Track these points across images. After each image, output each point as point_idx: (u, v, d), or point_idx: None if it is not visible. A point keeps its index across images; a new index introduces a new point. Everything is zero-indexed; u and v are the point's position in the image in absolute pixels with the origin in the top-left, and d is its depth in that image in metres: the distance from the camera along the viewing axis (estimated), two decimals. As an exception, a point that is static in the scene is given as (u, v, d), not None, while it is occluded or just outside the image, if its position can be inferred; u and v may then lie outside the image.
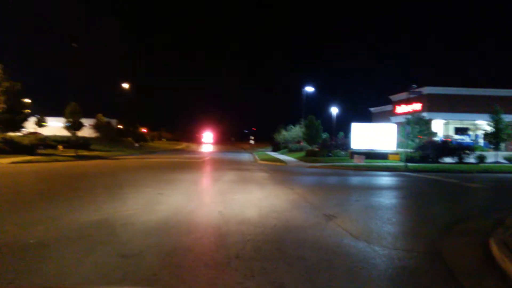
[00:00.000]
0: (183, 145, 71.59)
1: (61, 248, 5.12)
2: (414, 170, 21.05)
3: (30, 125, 34.39)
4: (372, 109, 53.70)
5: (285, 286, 4.00)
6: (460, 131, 40.25)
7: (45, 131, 55.03)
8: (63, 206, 8.25)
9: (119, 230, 6.18)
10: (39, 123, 58.01)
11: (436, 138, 32.87)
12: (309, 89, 45.88)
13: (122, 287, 3.93)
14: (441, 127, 39.23)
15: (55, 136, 40.68)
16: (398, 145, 30.79)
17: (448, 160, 26.88)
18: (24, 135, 29.34)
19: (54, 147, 32.52)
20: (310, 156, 32.05)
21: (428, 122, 31.17)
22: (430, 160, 26.41)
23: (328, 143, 36.48)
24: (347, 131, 38.92)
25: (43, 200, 9.06)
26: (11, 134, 27.88)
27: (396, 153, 28.24)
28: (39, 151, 25.30)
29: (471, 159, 26.59)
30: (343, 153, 32.69)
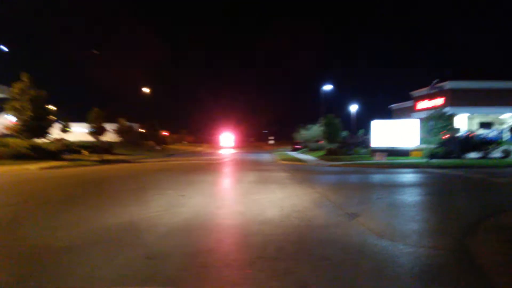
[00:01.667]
0: (203, 147, 72.20)
1: (88, 251, 5.26)
2: (437, 166, 20.63)
3: (55, 131, 35.30)
4: (392, 105, 52.90)
5: (309, 286, 4.00)
6: (484, 125, 39.19)
7: (70, 137, 56.39)
8: (89, 209, 8.46)
9: (143, 232, 6.31)
10: (64, 129, 59.51)
11: (459, 133, 32.12)
12: (328, 87, 45.56)
13: None
14: (465, 122, 38.30)
15: (80, 141, 41.69)
16: (420, 141, 30.24)
17: (472, 155, 26.22)
18: (50, 141, 30.16)
19: (79, 152, 33.32)
20: (330, 155, 31.83)
21: (450, 117, 30.49)
22: (453, 155, 25.82)
23: (348, 141, 36.14)
24: (367, 129, 38.50)
25: (70, 204, 9.30)
26: (37, 140, 28.70)
27: (418, 150, 27.74)
28: (65, 156, 25.98)
29: (496, 154, 25.85)
30: (363, 151, 32.33)
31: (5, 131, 29.17)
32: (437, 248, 5.40)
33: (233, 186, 13.32)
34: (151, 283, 4.12)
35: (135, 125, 62.47)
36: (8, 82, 27.91)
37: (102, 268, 4.57)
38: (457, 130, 33.50)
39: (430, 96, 29.71)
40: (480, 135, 32.58)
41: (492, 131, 37.04)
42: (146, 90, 51.94)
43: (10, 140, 28.33)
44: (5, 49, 36.90)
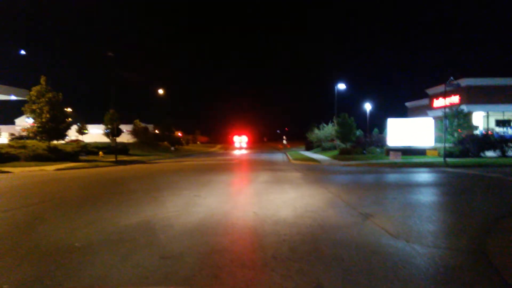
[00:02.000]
0: (217, 147, 72.51)
1: (104, 251, 5.36)
2: (454, 166, 20.32)
3: (72, 133, 35.96)
4: (407, 103, 52.21)
5: (323, 287, 4.01)
6: (501, 123, 38.38)
7: (86, 138, 57.44)
8: (106, 210, 8.60)
9: (159, 232, 6.39)
10: (81, 131, 60.55)
11: (476, 132, 31.55)
12: (342, 86, 45.23)
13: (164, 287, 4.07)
14: (480, 119, 37.59)
15: (96, 142, 42.37)
16: (436, 140, 29.80)
17: (490, 154, 25.74)
18: (67, 143, 30.69)
19: (95, 153, 33.87)
20: (344, 154, 31.62)
21: (467, 115, 29.97)
22: (470, 154, 25.40)
23: (363, 141, 35.84)
24: (381, 128, 38.13)
25: (87, 205, 9.47)
26: (54, 142, 29.25)
27: (434, 149, 27.35)
28: (81, 157, 26.44)
29: (515, 152, 25.34)
30: (378, 150, 32.03)
31: (23, 133, 29.79)
32: (453, 249, 5.34)
33: (246, 186, 13.36)
34: (166, 283, 4.17)
35: (150, 126, 63.16)
36: (27, 85, 28.53)
37: (117, 267, 4.65)
38: (475, 127, 32.90)
39: (446, 94, 29.24)
40: (497, 133, 31.96)
41: (510, 128, 36.28)
42: (161, 91, 52.46)
43: (28, 142, 28.98)
44: (23, 52, 37.74)
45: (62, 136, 28.41)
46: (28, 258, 5.05)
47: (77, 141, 49.02)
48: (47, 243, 5.79)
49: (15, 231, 6.67)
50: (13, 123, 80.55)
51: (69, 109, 30.86)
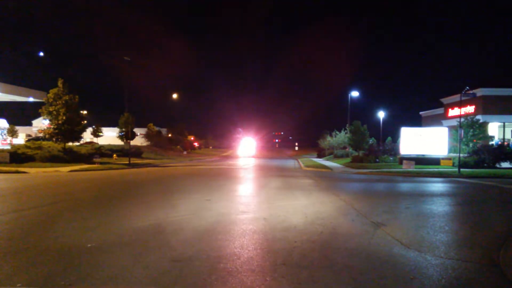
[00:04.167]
0: (228, 152, 72.69)
1: (115, 252, 5.42)
2: (468, 176, 20.00)
3: (87, 135, 36.52)
4: (422, 112, 51.63)
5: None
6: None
7: (100, 141, 58.17)
8: (118, 212, 8.70)
9: (169, 235, 6.44)
10: (96, 133, 61.39)
11: (492, 142, 31.01)
12: (355, 94, 45.03)
13: None
14: (496, 130, 36.96)
15: (110, 145, 42.87)
16: (451, 150, 29.37)
17: (505, 165, 25.25)
18: (82, 145, 31.15)
19: (109, 156, 34.26)
20: (356, 162, 31.38)
21: (482, 125, 29.49)
22: (485, 165, 24.96)
23: (375, 149, 35.53)
24: (395, 136, 37.75)
25: (100, 206, 9.59)
26: (69, 144, 29.70)
27: (448, 158, 26.96)
28: (95, 159, 26.74)
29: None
30: (391, 158, 31.70)
31: (39, 134, 30.33)
32: (466, 260, 5.25)
33: (257, 192, 13.36)
34: (177, 286, 4.20)
35: (163, 130, 63.72)
36: (45, 87, 29.11)
37: (128, 268, 4.70)
38: (491, 138, 32.34)
39: (461, 104, 28.81)
40: (514, 144, 31.35)
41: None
42: (174, 96, 52.96)
43: (44, 143, 29.49)
44: (41, 54, 38.54)
45: (78, 138, 28.84)
46: (41, 258, 5.13)
47: (91, 143, 49.70)
48: (60, 243, 5.88)
49: (28, 231, 6.79)
50: (30, 124, 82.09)
51: (84, 112, 31.35)
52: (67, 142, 28.36)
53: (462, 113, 32.45)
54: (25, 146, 28.17)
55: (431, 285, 4.31)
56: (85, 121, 30.71)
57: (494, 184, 16.48)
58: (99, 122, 63.38)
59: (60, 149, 27.52)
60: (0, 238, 6.21)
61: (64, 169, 21.86)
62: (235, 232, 6.85)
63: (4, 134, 36.28)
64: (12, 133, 55.21)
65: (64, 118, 26.62)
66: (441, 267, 4.91)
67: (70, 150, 28.15)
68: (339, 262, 5.07)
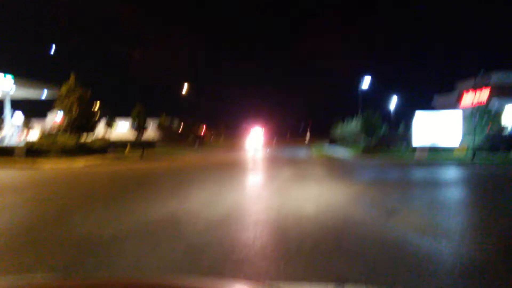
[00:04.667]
0: (240, 142, 72.82)
1: (130, 243, 5.51)
2: (483, 164, 19.73)
3: (100, 128, 36.99)
4: (435, 96, 50.72)
5: (346, 282, 4.01)
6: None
7: (113, 134, 58.71)
8: (131, 204, 8.82)
9: (183, 226, 6.52)
10: (109, 125, 61.83)
11: (508, 128, 30.42)
12: (367, 80, 44.49)
13: (188, 277, 4.17)
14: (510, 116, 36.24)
15: (123, 138, 43.32)
16: (465, 137, 28.95)
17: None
18: (95, 139, 31.59)
19: (122, 149, 34.66)
20: (368, 151, 31.15)
21: (498, 111, 28.95)
22: (500, 152, 24.57)
23: (387, 137, 35.23)
24: (407, 123, 37.30)
25: (114, 200, 9.75)
26: (83, 138, 30.14)
27: (463, 146, 26.59)
28: (109, 153, 27.09)
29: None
30: (403, 147, 31.41)
31: (53, 128, 30.78)
32: (481, 246, 5.22)
33: (269, 182, 13.41)
34: (191, 274, 4.28)
35: (175, 121, 64.00)
36: (57, 82, 29.49)
37: (144, 259, 4.78)
38: (506, 125, 31.74)
39: (476, 88, 28.25)
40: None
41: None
42: (185, 86, 53.17)
43: (58, 137, 29.95)
44: (53, 49, 38.89)
45: (91, 131, 29.23)
46: (58, 248, 5.26)
47: (104, 137, 50.21)
48: (77, 234, 6.01)
49: (45, 223, 6.95)
50: (45, 115, 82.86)
51: (97, 104, 31.67)
52: (81, 135, 28.78)
53: (477, 98, 31.84)
54: (40, 142, 28.67)
55: (446, 271, 4.30)
56: (98, 115, 31.06)
57: (508, 171, 16.23)
58: (112, 114, 63.75)
59: (74, 143, 27.95)
60: (21, 229, 6.39)
61: (78, 163, 22.20)
62: (247, 222, 6.92)
63: (19, 130, 36.91)
64: (28, 126, 56.05)
65: (77, 112, 26.98)
66: (456, 253, 4.88)
67: (84, 145, 28.55)
68: (352, 249, 5.09)
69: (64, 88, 27.22)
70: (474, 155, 21.41)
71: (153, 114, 52.81)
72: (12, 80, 28.61)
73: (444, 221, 6.83)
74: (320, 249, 5.11)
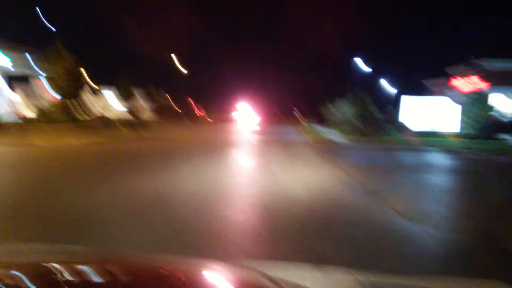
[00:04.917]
0: (231, 121, 72.56)
1: (122, 223, 5.54)
2: (471, 149, 20.09)
3: (97, 109, 36.88)
4: (425, 81, 50.68)
5: (330, 263, 4.20)
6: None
7: (109, 115, 58.06)
8: (124, 185, 8.70)
9: (173, 206, 6.51)
10: (93, 91, 60.27)
11: (497, 114, 30.84)
12: (358, 61, 44.16)
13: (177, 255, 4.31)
14: (503, 103, 36.59)
15: (118, 118, 43.06)
16: (454, 122, 29.33)
17: (510, 138, 25.26)
18: (91, 119, 31.55)
19: (118, 128, 34.56)
20: (358, 133, 31.30)
21: (486, 97, 29.22)
22: (489, 138, 24.99)
23: (378, 119, 35.40)
24: (396, 105, 37.45)
25: (107, 179, 9.63)
26: (79, 117, 30.08)
27: (452, 131, 27.00)
28: (104, 133, 27.03)
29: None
30: (393, 130, 31.72)
31: (39, 95, 30.44)
32: (465, 232, 5.38)
33: (259, 163, 13.54)
34: (178, 252, 4.36)
35: (168, 100, 63.64)
36: (39, 45, 28.97)
37: (133, 236, 4.86)
38: (496, 110, 32.12)
39: (466, 73, 28.43)
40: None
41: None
42: (174, 58, 52.38)
43: (53, 115, 29.84)
44: (53, 29, 37.91)
45: (78, 96, 29.00)
46: (46, 230, 5.20)
47: (101, 117, 49.76)
48: (66, 215, 5.93)
49: (35, 203, 6.84)
50: (26, 81, 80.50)
51: (83, 70, 31.35)
52: (69, 100, 28.60)
53: (466, 83, 32.09)
54: (36, 119, 28.53)
55: (430, 256, 4.46)
56: (84, 79, 31.00)
57: (496, 157, 16.51)
58: (97, 81, 62.14)
59: (70, 122, 27.87)
60: (15, 208, 6.34)
61: (73, 142, 22.14)
62: (237, 203, 7.04)
63: (16, 108, 36.48)
64: (22, 104, 55.10)
65: (66, 82, 26.78)
66: (440, 239, 5.03)
67: (79, 124, 28.50)
68: (340, 233, 5.20)
69: (50, 54, 26.91)
70: (463, 140, 21.74)
71: (141, 83, 51.92)
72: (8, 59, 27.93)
73: (430, 205, 7.01)
74: (308, 230, 5.25)
